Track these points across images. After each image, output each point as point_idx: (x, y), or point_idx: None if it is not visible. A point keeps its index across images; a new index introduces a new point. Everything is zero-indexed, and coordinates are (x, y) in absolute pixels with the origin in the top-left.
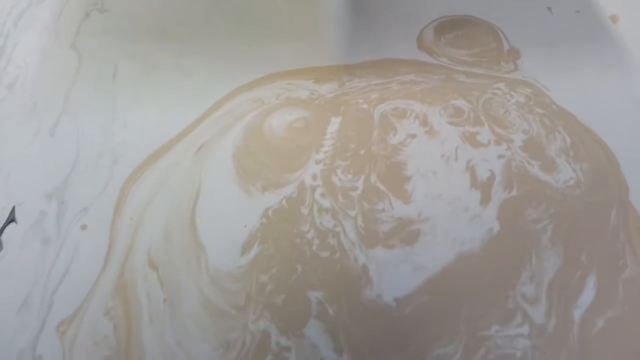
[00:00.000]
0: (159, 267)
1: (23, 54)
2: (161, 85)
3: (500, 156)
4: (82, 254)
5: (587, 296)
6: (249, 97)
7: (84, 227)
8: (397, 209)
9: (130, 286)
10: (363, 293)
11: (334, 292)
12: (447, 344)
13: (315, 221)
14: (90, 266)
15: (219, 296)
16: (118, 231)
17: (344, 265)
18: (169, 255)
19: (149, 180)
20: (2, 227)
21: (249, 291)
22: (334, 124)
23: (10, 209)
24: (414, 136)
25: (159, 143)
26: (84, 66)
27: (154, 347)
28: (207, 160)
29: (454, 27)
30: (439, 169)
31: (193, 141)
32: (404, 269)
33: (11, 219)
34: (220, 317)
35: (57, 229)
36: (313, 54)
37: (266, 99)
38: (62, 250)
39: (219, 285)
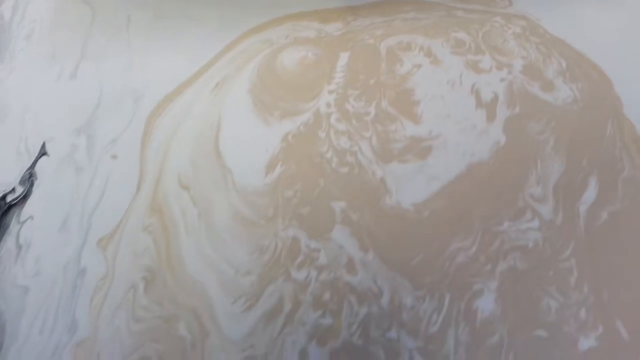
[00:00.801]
0: (190, 188)
1: (36, 9)
2: (173, 33)
3: (502, 79)
4: (115, 180)
5: (590, 194)
6: (259, 38)
7: (114, 157)
8: (409, 129)
9: (164, 205)
10: (383, 201)
11: (355, 202)
12: (464, 238)
13: (333, 142)
14: (124, 190)
15: (249, 210)
16: (147, 160)
17: (363, 179)
18: (198, 178)
19: (170, 115)
20: (35, 159)
21: (276, 204)
22: (343, 58)
23: (40, 145)
24: (419, 66)
25: (176, 83)
26: (97, 18)
27: (192, 255)
28: (224, 95)
29: None
30: (445, 94)
31: (209, 80)
32: (419, 180)
33: (42, 153)
34: (252, 227)
35: (88, 159)
36: None
37: (275, 40)
38: (95, 178)
39: (248, 200)
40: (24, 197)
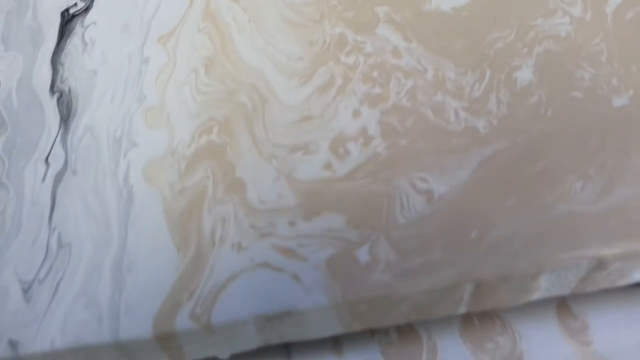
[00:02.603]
0: (239, 1)
1: None
2: None
3: None
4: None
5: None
6: None
7: None
8: None
9: (217, 13)
10: (423, 6)
11: (397, 6)
12: (501, 30)
13: None
14: (178, 5)
15: (296, 15)
16: None
17: None
18: None
19: None
20: None
21: (322, 10)
22: None
23: None
24: None
25: None
26: None
27: (246, 47)
28: None
29: None
30: None
31: None
32: None
33: None
34: (300, 28)
35: None
36: None
37: None
38: None
39: (295, 9)
40: (86, 10)
